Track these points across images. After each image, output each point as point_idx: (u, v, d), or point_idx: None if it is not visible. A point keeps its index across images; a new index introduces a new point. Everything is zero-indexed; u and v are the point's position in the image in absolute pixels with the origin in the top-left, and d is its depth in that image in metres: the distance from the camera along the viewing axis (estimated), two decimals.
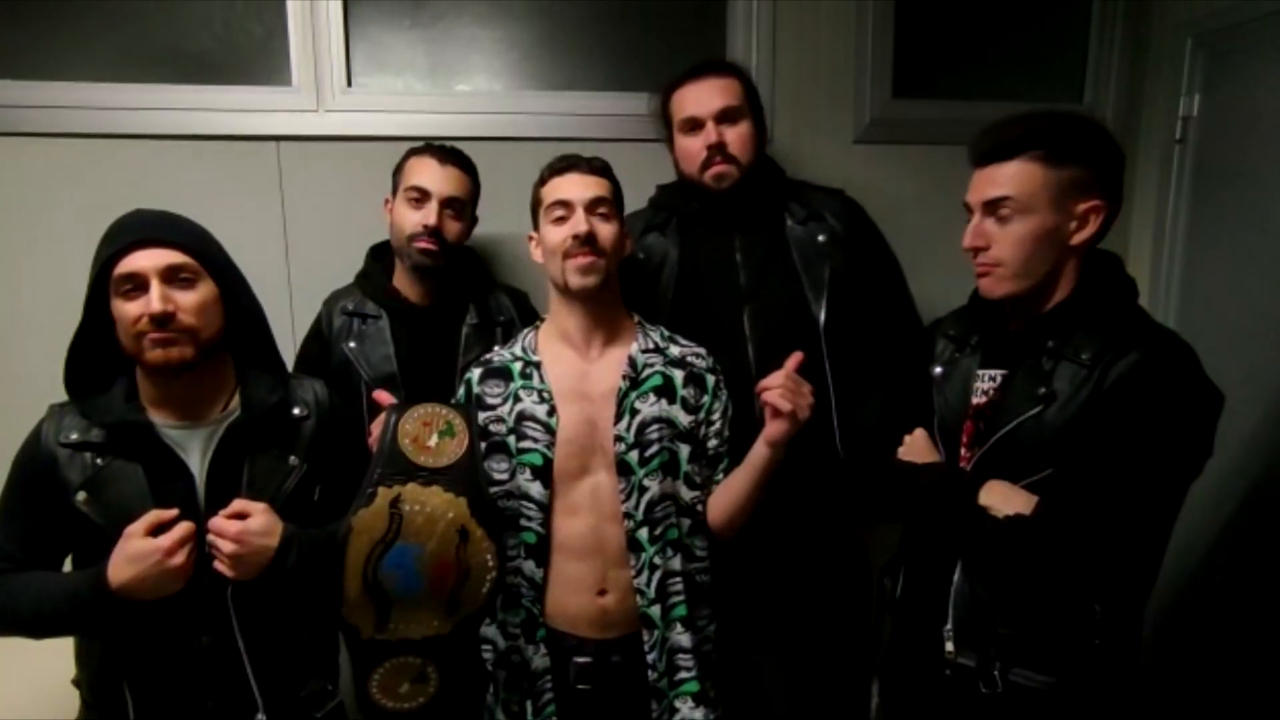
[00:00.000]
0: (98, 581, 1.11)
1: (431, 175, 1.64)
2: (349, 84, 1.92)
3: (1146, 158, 2.19)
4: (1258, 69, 1.88)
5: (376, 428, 1.30)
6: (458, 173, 1.67)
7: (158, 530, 1.12)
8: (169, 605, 1.14)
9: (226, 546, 1.14)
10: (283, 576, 1.18)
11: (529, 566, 1.41)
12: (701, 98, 1.64)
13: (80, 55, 1.83)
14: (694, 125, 1.64)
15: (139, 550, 1.10)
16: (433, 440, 1.27)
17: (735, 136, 1.63)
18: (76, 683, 1.25)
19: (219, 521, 1.15)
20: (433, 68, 1.99)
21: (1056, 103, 2.18)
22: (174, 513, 1.13)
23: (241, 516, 1.16)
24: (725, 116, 1.63)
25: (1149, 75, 2.18)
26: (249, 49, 1.89)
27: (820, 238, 1.67)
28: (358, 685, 1.29)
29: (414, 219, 1.63)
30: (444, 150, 1.68)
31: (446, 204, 1.64)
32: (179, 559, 1.11)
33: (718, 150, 1.61)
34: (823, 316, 1.63)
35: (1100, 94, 2.19)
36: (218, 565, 1.15)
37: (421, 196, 1.63)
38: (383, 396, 1.36)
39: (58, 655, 1.26)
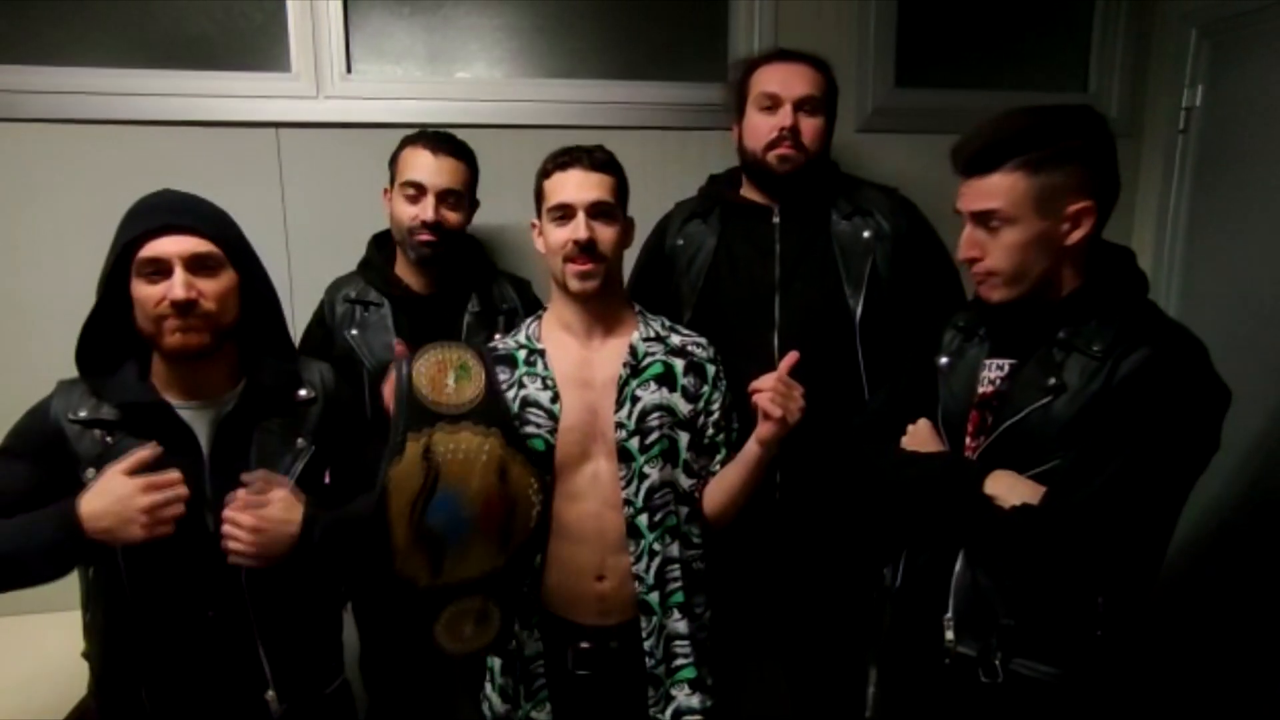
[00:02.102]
0: (66, 504, 1.10)
1: (426, 169, 1.62)
2: (348, 71, 1.91)
3: (1150, 148, 2.19)
4: (1262, 60, 1.87)
5: (389, 386, 1.27)
6: (453, 162, 1.65)
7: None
8: (175, 578, 1.15)
9: (244, 536, 1.14)
10: (308, 557, 1.18)
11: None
12: (788, 79, 1.63)
13: (80, 41, 1.82)
14: (772, 103, 1.63)
15: (110, 484, 1.10)
16: (450, 382, 1.23)
17: (809, 127, 1.62)
18: (86, 655, 1.26)
19: (233, 514, 1.15)
20: (432, 55, 1.97)
21: (1060, 93, 2.17)
22: (158, 452, 1.13)
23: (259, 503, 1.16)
24: (805, 104, 1.62)
25: (1153, 66, 2.17)
26: (248, 35, 1.88)
27: (865, 233, 1.66)
28: (420, 635, 1.26)
29: (411, 213, 1.62)
30: (438, 139, 1.66)
31: (443, 196, 1.63)
32: (144, 501, 1.09)
33: (789, 134, 1.60)
34: (859, 311, 1.63)
35: (1104, 84, 2.19)
36: (235, 560, 1.15)
37: (418, 191, 1.62)
38: (399, 348, 1.33)
39: (69, 629, 1.27)
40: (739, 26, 2.02)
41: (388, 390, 1.28)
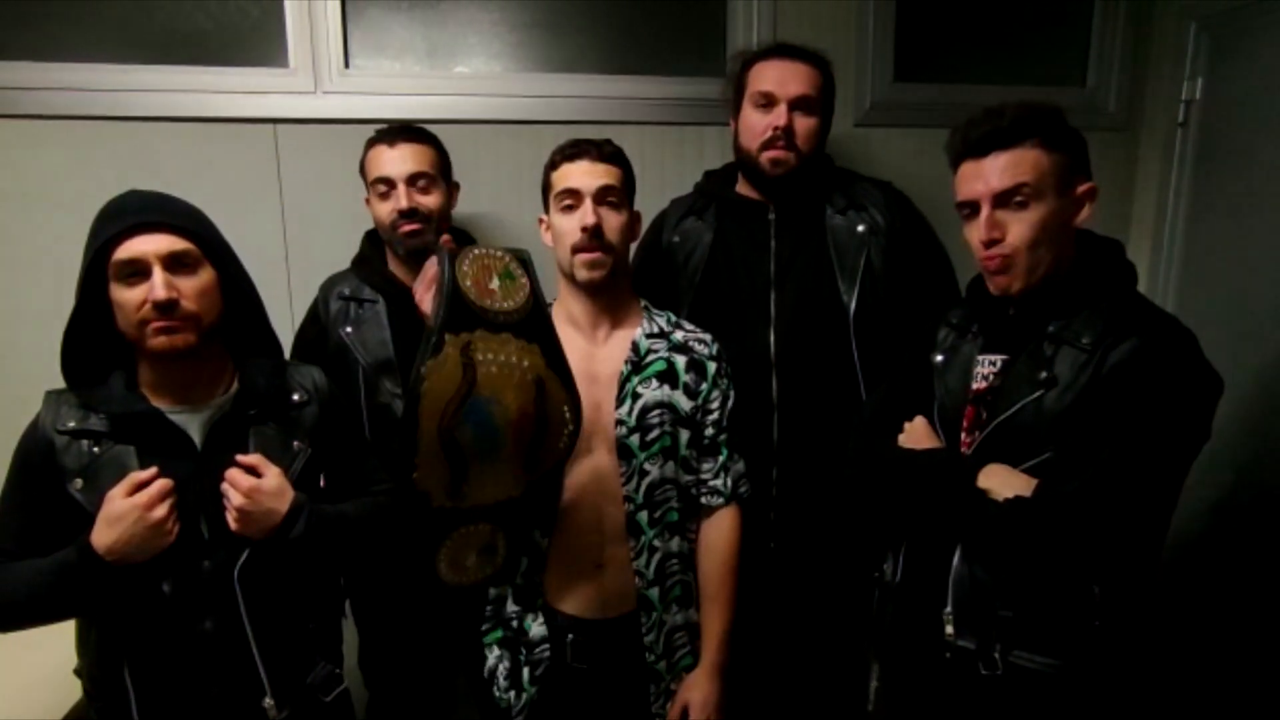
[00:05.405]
0: (84, 547, 1.10)
1: (388, 162, 1.63)
2: (346, 66, 1.90)
3: (1149, 141, 2.18)
4: (1261, 53, 1.87)
5: (430, 269, 1.22)
6: (412, 147, 1.65)
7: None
8: (171, 589, 1.14)
9: (236, 499, 1.15)
10: (287, 545, 1.18)
11: (535, 534, 1.42)
12: (783, 78, 1.62)
13: (76, 37, 1.81)
14: (768, 102, 1.62)
15: (118, 510, 1.10)
16: (494, 286, 1.16)
17: (804, 127, 1.62)
18: (78, 672, 1.25)
19: (234, 474, 1.16)
20: (431, 49, 1.97)
21: (1059, 87, 2.17)
22: (153, 472, 1.13)
23: (257, 475, 1.17)
24: (800, 104, 1.61)
25: (1152, 59, 2.17)
26: (246, 31, 1.87)
27: (859, 228, 1.66)
28: (424, 560, 1.21)
29: (388, 209, 1.63)
30: (393, 132, 1.67)
31: (412, 180, 1.63)
32: (159, 512, 1.10)
33: (783, 135, 1.60)
34: (853, 306, 1.63)
35: (1103, 77, 2.18)
36: (227, 515, 1.16)
37: (388, 186, 1.63)
38: (446, 240, 1.32)
39: (59, 645, 1.26)
40: (738, 21, 2.02)
41: (422, 287, 1.24)
